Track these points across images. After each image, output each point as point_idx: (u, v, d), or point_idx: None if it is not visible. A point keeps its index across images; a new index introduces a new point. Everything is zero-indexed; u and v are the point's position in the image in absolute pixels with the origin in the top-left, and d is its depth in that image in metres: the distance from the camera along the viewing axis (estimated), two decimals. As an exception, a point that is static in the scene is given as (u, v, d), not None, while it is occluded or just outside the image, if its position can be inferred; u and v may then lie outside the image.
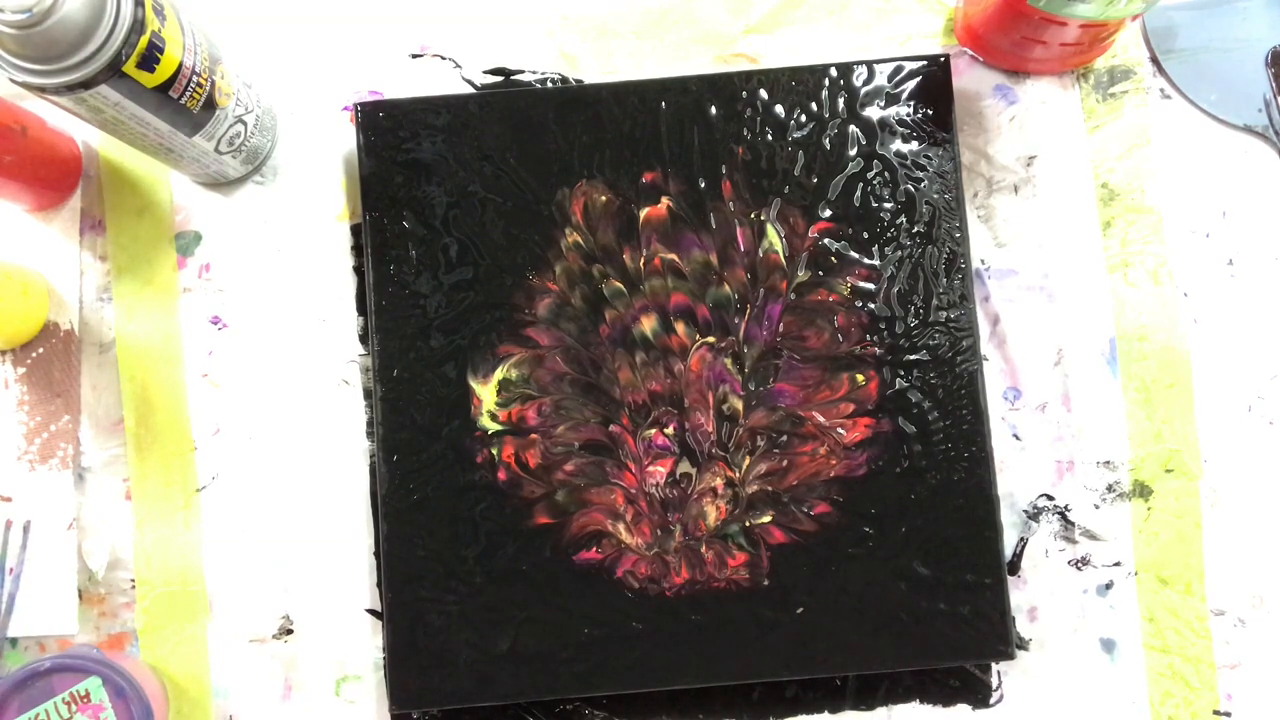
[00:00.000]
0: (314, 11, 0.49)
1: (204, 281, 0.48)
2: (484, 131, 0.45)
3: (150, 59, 0.38)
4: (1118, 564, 0.46)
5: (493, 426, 0.45)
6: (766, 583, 0.44)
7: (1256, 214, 0.48)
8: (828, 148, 0.45)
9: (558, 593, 0.44)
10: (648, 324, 0.45)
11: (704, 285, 0.45)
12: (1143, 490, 0.46)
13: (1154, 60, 0.49)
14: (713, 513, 0.44)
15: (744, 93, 0.45)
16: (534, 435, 0.45)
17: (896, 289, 0.45)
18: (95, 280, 0.49)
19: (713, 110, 0.45)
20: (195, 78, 0.40)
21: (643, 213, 0.45)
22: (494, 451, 0.45)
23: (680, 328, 0.45)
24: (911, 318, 0.44)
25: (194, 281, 0.48)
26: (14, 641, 0.46)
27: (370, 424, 0.46)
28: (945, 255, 0.45)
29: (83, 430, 0.47)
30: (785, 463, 0.44)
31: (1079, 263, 0.47)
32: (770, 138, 0.45)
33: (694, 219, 0.45)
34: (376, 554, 0.46)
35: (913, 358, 0.44)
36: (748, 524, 0.44)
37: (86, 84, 0.37)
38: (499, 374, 0.45)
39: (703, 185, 0.45)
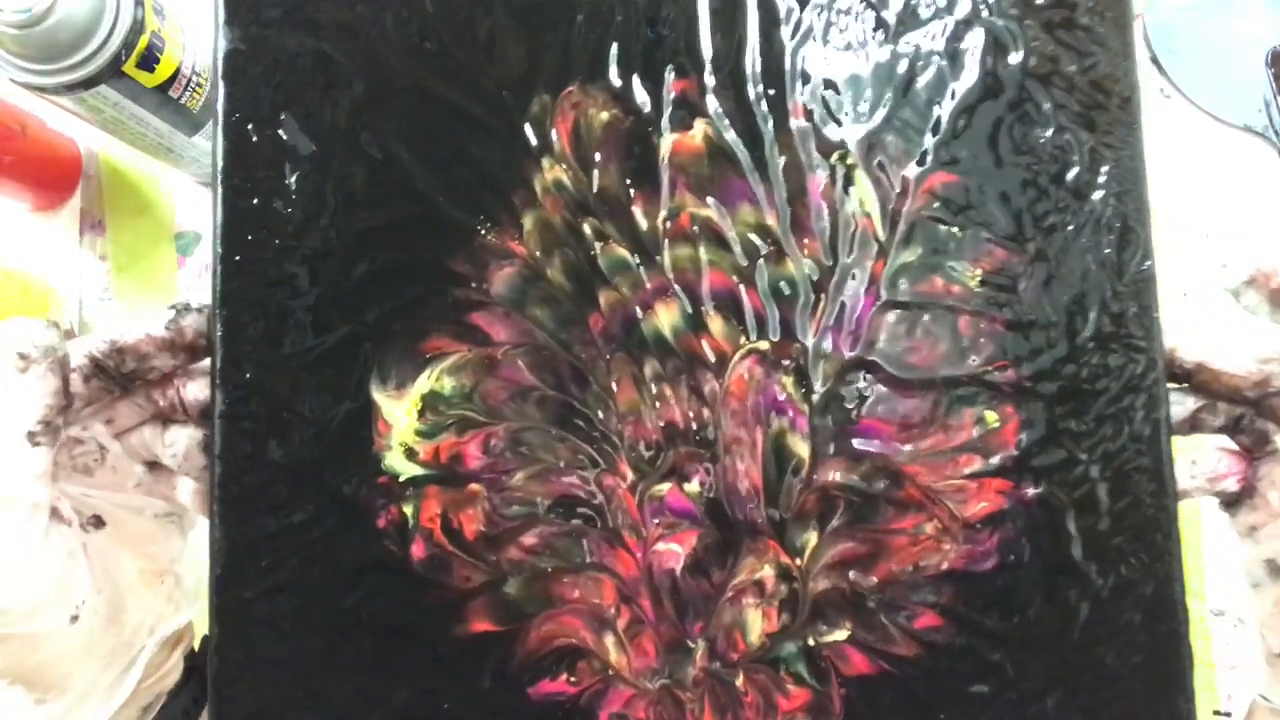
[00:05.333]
0: None
1: (204, 281, 0.44)
2: (420, -6, 0.28)
3: (150, 59, 0.39)
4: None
5: (408, 469, 0.27)
6: (839, 738, 0.28)
7: (1256, 214, 0.47)
8: (954, 59, 0.29)
9: (501, 749, 0.27)
10: (666, 316, 0.28)
11: (756, 260, 0.29)
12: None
13: (1154, 60, 0.49)
14: (757, 622, 0.28)
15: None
16: (474, 486, 0.28)
17: (1047, 281, 0.29)
18: (95, 280, 0.49)
19: (782, -11, 0.29)
20: (195, 77, 0.41)
21: (666, 141, 0.29)
22: (407, 510, 0.27)
23: (717, 325, 0.28)
24: (1071, 327, 0.29)
25: (194, 281, 0.48)
26: None
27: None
28: (1118, 235, 0.29)
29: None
30: (872, 545, 0.28)
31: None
32: (869, 36, 0.29)
33: (745, 156, 0.29)
34: (195, 665, 0.28)
35: (1071, 389, 0.29)
36: (812, 642, 0.28)
37: (86, 84, 0.38)
38: (423, 384, 0.28)
39: (762, 104, 0.29)
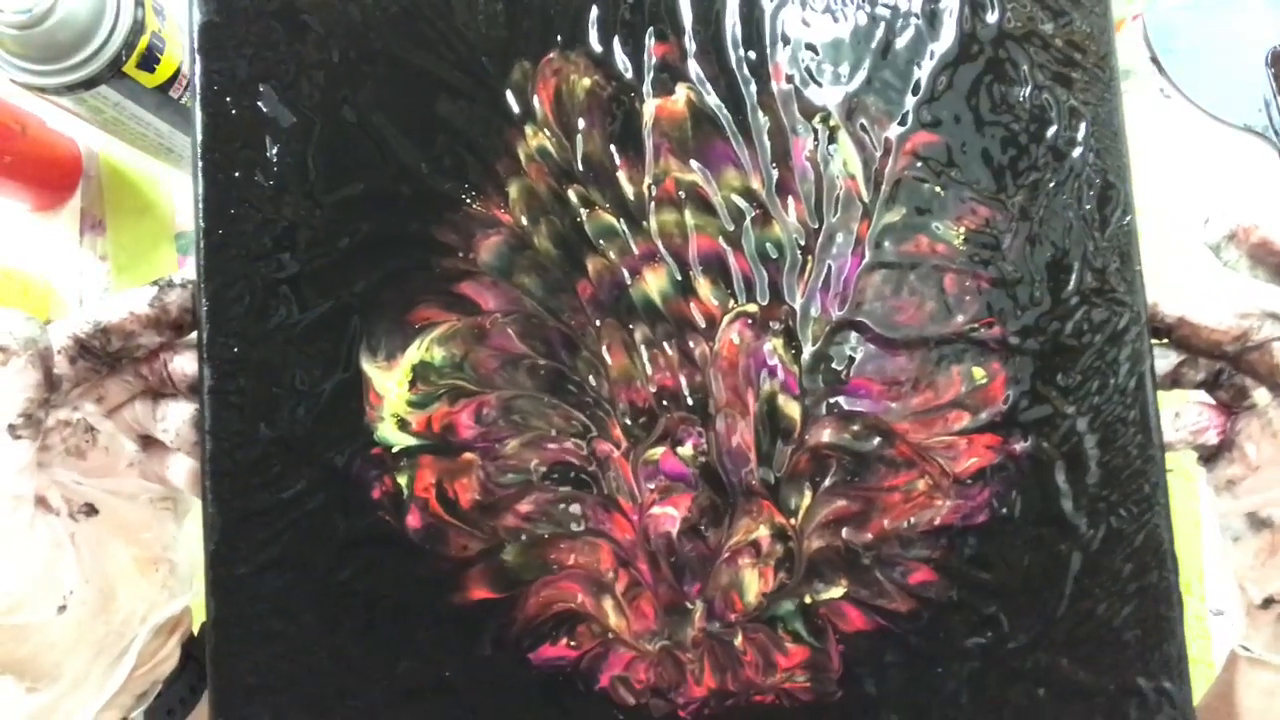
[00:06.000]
0: None
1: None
2: (397, -36, 0.28)
3: (150, 59, 0.39)
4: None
5: (400, 440, 0.27)
6: (838, 693, 0.28)
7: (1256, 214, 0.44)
8: (932, 20, 0.29)
9: (505, 716, 0.27)
10: (654, 281, 0.28)
11: (742, 223, 0.29)
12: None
13: (1154, 60, 0.49)
14: (754, 582, 0.28)
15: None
16: (468, 455, 0.28)
17: (1030, 238, 0.29)
18: (95, 280, 0.49)
19: (760, -47, 0.29)
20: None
21: (649, 107, 0.29)
22: (401, 481, 0.27)
23: (705, 289, 0.28)
24: (1055, 283, 0.29)
25: (195, 281, 0.49)
26: None
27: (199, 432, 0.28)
28: (1099, 190, 0.29)
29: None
30: (865, 503, 0.28)
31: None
32: (849, -2, 0.29)
33: (728, 119, 0.29)
34: (191, 652, 0.28)
35: (1057, 343, 0.29)
36: (809, 600, 0.28)
37: (86, 84, 0.38)
38: (413, 354, 0.28)
39: (744, 67, 0.29)
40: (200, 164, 0.27)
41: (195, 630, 0.31)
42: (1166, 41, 0.50)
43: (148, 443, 0.29)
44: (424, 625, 0.27)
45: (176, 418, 0.28)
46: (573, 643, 0.27)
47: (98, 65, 0.37)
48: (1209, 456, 0.30)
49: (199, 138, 0.27)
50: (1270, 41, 0.49)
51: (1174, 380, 0.30)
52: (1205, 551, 0.46)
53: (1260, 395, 0.28)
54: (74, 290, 0.49)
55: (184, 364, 0.28)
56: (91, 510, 0.27)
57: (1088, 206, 0.29)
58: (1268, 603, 0.28)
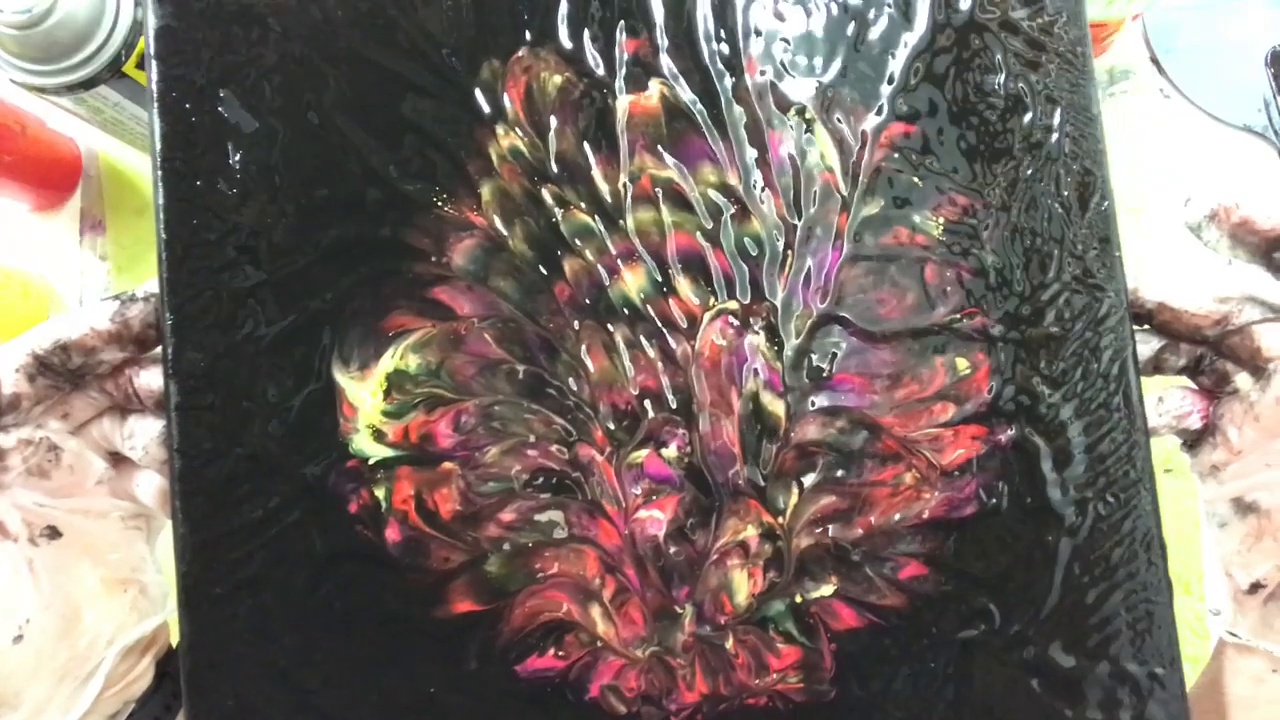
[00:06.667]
0: None
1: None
2: (359, -38, 0.27)
3: None
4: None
5: (377, 451, 0.27)
6: (831, 692, 0.27)
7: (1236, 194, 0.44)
8: (905, 9, 0.29)
9: (492, 731, 0.26)
10: (633, 281, 0.28)
11: (720, 220, 0.28)
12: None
13: (1154, 60, 0.49)
14: (743, 583, 0.28)
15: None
16: (448, 465, 0.27)
17: (1009, 227, 0.29)
18: (95, 280, 0.49)
19: (730, -55, 0.29)
20: None
21: (622, 103, 0.28)
22: (379, 494, 0.27)
23: (685, 286, 0.28)
24: (1035, 271, 0.29)
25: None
26: None
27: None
28: (1076, 177, 0.29)
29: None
30: (853, 499, 0.28)
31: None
32: (821, -12, 0.29)
33: (703, 114, 0.28)
34: (167, 669, 0.27)
35: (1039, 332, 0.29)
36: (799, 599, 0.28)
37: (86, 84, 0.38)
38: (387, 363, 0.27)
39: (716, 61, 0.28)
40: (160, 173, 0.26)
41: (174, 644, 0.30)
42: (1166, 41, 0.50)
43: (117, 459, 0.28)
44: (407, 641, 0.26)
45: (144, 435, 0.27)
46: (561, 653, 0.27)
47: (97, 65, 0.37)
48: (1192, 442, 0.30)
49: (157, 146, 0.26)
50: (1270, 41, 0.49)
51: (1156, 366, 0.30)
52: (1205, 552, 0.47)
53: (1242, 380, 0.28)
54: (74, 290, 0.49)
55: (150, 379, 0.27)
56: (54, 533, 0.26)
57: (1066, 193, 0.29)
58: (1254, 588, 0.29)
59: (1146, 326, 0.29)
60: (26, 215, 0.51)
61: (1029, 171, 0.29)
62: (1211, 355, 0.29)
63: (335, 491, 0.26)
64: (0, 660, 0.25)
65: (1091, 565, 0.28)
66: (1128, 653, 0.28)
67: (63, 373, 0.26)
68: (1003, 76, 0.29)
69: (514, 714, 0.27)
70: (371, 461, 0.27)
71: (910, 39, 0.29)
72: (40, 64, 0.37)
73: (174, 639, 0.30)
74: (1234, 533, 0.29)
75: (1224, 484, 0.29)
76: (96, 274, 0.50)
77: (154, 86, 0.26)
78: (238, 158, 0.27)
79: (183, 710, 0.27)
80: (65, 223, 0.50)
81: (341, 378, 0.27)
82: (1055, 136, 0.29)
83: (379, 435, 0.27)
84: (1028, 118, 0.29)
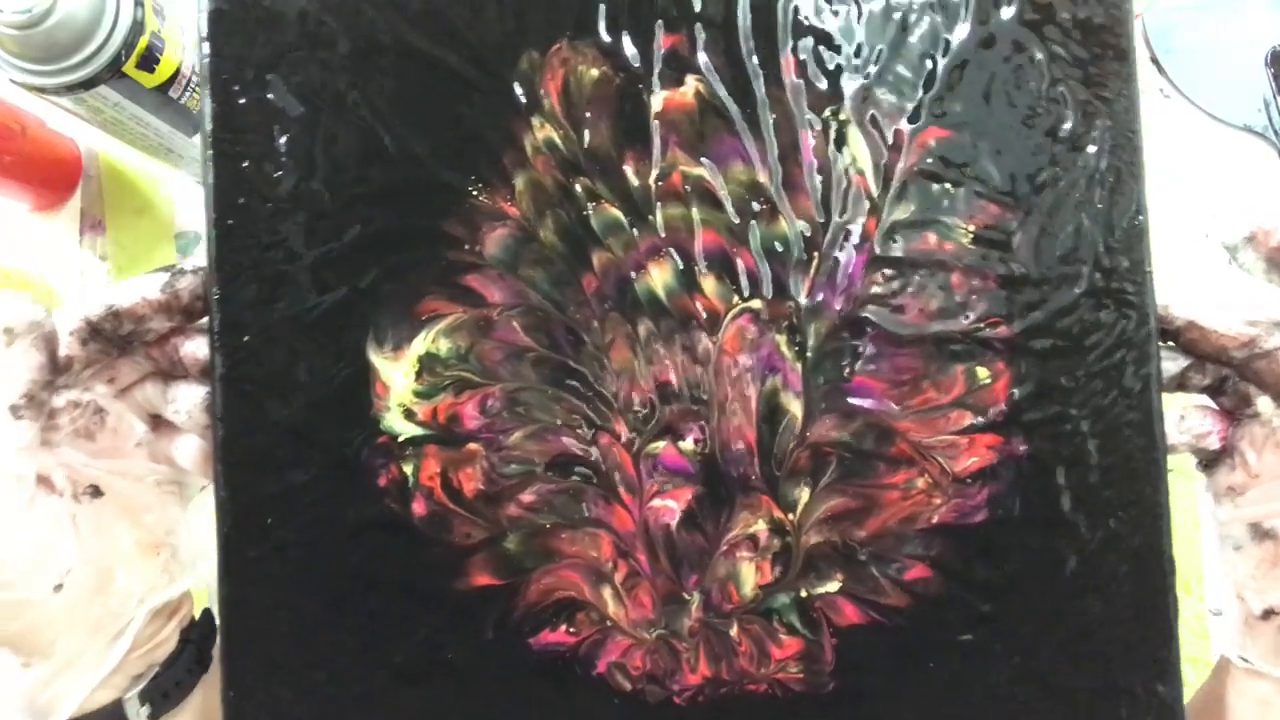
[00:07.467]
0: None
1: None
2: (406, -49, 0.28)
3: (150, 59, 0.39)
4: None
5: (406, 429, 0.28)
6: (830, 685, 0.28)
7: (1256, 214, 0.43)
8: (947, 10, 0.29)
9: (505, 698, 0.28)
10: (659, 276, 0.28)
11: (748, 219, 0.29)
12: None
13: (1154, 60, 0.49)
14: (750, 575, 0.29)
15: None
16: (473, 446, 0.28)
17: (1040, 237, 0.29)
18: (95, 280, 0.49)
19: (774, -59, 0.29)
20: (195, 78, 0.41)
21: (657, 99, 0.28)
22: (407, 470, 0.28)
23: (710, 284, 0.28)
24: (1063, 283, 0.29)
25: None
26: None
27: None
28: (1110, 189, 0.29)
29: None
30: (864, 500, 0.29)
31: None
32: (863, -11, 0.29)
33: (737, 113, 0.29)
34: (189, 637, 0.29)
35: (1063, 344, 0.29)
36: (804, 593, 0.28)
37: (86, 84, 0.37)
38: (419, 346, 0.28)
39: (754, 59, 0.29)
40: (210, 153, 0.27)
41: (196, 615, 0.31)
42: (1166, 41, 0.50)
43: (156, 423, 0.30)
44: (428, 609, 0.28)
45: (187, 399, 0.28)
46: (572, 629, 0.28)
47: (97, 65, 0.37)
48: (1209, 462, 0.30)
49: (208, 127, 0.27)
50: (1270, 41, 0.49)
51: (1179, 384, 0.30)
52: (1205, 551, 0.46)
53: (1264, 404, 0.28)
54: (74, 290, 0.49)
55: (195, 348, 0.28)
56: (96, 492, 0.28)
57: (1100, 205, 0.29)
58: (1268, 614, 0.29)
59: (1171, 344, 0.29)
60: (26, 215, 0.50)
61: (1063, 181, 0.29)
62: (1235, 377, 0.29)
63: (366, 465, 0.28)
64: (41, 607, 0.26)
65: (1098, 579, 0.29)
66: (1129, 667, 0.29)
67: (113, 338, 0.27)
68: (1044, 83, 0.29)
69: (525, 683, 0.28)
70: (401, 439, 0.28)
71: (952, 41, 0.29)
72: (40, 64, 0.37)
73: (197, 609, 0.31)
74: (1249, 557, 0.29)
75: (1240, 508, 0.29)
76: (96, 274, 0.50)
77: (206, 69, 0.27)
78: (283, 140, 0.28)
79: (203, 675, 0.29)
80: (65, 223, 0.50)
81: (376, 358, 0.28)
82: (1093, 147, 0.29)
83: (409, 414, 0.28)
84: (1067, 126, 0.29)
